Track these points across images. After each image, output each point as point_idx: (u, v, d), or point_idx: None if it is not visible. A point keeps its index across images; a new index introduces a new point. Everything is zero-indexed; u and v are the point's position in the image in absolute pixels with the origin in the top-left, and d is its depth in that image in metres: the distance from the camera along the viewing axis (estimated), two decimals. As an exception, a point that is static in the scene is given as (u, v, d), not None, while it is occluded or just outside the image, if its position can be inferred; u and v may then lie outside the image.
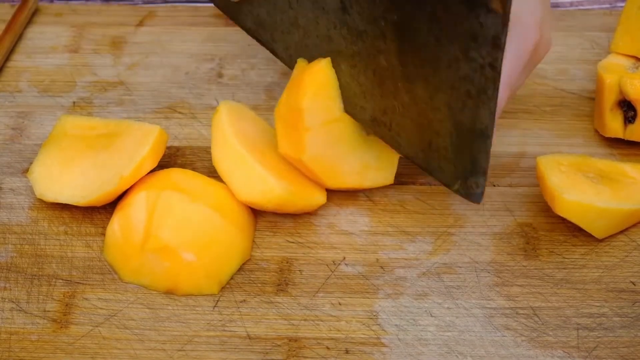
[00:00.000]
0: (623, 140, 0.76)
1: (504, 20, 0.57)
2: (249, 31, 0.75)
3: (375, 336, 0.65)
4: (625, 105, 0.75)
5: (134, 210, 0.68)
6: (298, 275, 0.68)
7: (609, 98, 0.75)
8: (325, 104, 0.69)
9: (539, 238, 0.70)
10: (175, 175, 0.70)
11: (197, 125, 0.78)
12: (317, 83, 0.68)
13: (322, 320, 0.66)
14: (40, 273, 0.69)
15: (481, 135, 0.62)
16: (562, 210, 0.68)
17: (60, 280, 0.68)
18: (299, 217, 0.72)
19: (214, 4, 0.78)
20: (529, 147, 0.77)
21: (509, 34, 0.65)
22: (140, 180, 0.70)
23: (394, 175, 0.72)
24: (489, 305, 0.66)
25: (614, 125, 0.76)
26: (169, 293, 0.67)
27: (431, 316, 0.66)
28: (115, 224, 0.69)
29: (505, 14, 0.56)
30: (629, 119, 0.75)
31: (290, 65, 0.72)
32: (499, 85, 0.59)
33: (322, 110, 0.69)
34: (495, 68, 0.58)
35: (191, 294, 0.67)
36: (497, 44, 0.58)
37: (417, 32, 0.61)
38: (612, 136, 0.76)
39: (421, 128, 0.65)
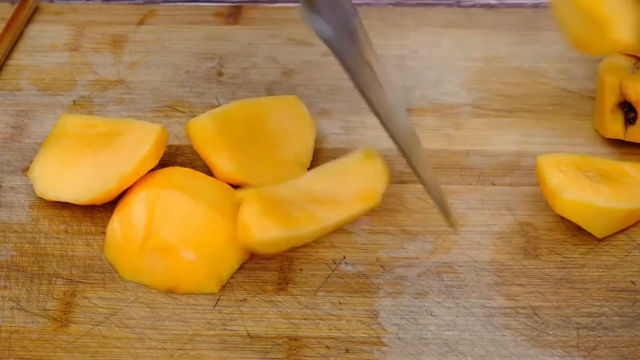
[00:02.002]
0: (623, 140, 0.76)
1: None
2: None
3: (376, 335, 0.65)
4: (626, 107, 0.75)
5: (134, 209, 0.68)
6: (298, 274, 0.68)
7: (610, 100, 0.75)
8: None
9: (539, 237, 0.70)
10: (175, 174, 0.71)
11: (198, 124, 0.78)
12: None
13: (322, 319, 0.66)
14: (40, 272, 0.69)
15: None
16: (562, 210, 0.68)
17: (61, 279, 0.68)
18: (299, 216, 0.72)
19: None
20: (529, 146, 0.77)
21: None
22: (141, 179, 0.70)
23: None
24: (489, 305, 0.66)
25: (615, 126, 0.76)
26: (169, 292, 0.67)
27: (431, 315, 0.66)
28: (116, 223, 0.69)
29: None
30: (629, 120, 0.75)
31: None
32: None
33: None
34: None
35: (191, 292, 0.67)
36: None
37: None
38: (613, 137, 0.76)
39: None
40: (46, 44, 0.87)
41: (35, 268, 0.69)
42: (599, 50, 0.70)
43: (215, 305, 0.66)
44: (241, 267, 0.69)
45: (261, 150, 0.74)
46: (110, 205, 0.72)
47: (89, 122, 0.74)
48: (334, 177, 0.70)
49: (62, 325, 0.65)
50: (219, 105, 0.80)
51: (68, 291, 0.67)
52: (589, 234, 0.69)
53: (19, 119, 0.80)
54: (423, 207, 0.72)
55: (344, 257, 0.69)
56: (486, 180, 0.74)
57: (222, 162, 0.71)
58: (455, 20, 0.87)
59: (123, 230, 0.68)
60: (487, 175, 0.75)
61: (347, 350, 0.64)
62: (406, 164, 0.66)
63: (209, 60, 0.85)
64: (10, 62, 0.85)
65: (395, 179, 0.74)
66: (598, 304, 0.66)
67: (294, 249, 0.70)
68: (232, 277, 0.68)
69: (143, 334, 0.65)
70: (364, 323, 0.65)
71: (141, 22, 0.89)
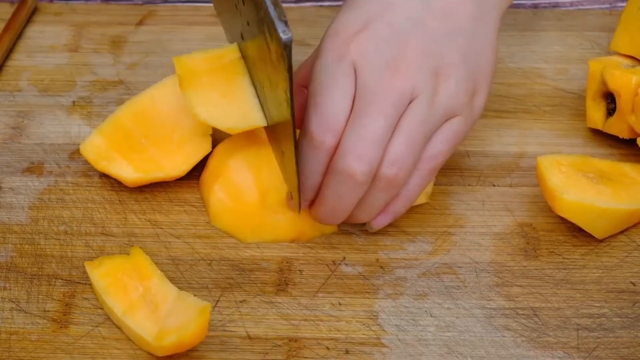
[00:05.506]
0: (623, 140, 0.76)
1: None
2: None
3: (375, 336, 0.65)
4: (609, 98, 0.75)
5: (236, 173, 0.70)
6: (298, 275, 0.68)
7: (592, 87, 0.75)
8: None
9: (539, 238, 0.70)
10: (242, 138, 0.71)
11: (197, 125, 0.78)
12: None
13: (322, 321, 0.66)
14: (40, 273, 0.69)
15: None
16: (562, 211, 0.68)
17: (60, 280, 0.68)
18: (299, 217, 0.72)
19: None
20: (529, 147, 0.77)
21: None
22: (217, 149, 0.72)
23: None
24: (489, 306, 0.66)
25: (595, 115, 0.76)
26: (295, 241, 0.70)
27: (431, 316, 0.66)
28: (219, 192, 0.70)
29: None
30: (609, 112, 0.75)
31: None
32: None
33: None
34: None
35: (317, 237, 0.70)
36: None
37: None
38: (592, 127, 0.76)
39: None
40: (46, 44, 0.87)
41: (35, 269, 0.69)
42: None
43: (214, 306, 0.66)
44: (241, 269, 0.69)
45: (159, 140, 0.73)
46: (110, 207, 0.72)
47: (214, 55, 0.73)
48: None
49: (61, 327, 0.65)
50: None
51: (67, 292, 0.67)
52: (589, 235, 0.69)
53: (19, 120, 0.80)
54: (422, 207, 0.72)
55: (344, 258, 0.69)
56: (486, 181, 0.74)
57: (123, 171, 0.72)
58: (455, 20, 0.87)
59: (232, 197, 0.70)
60: (487, 176, 0.75)
61: (347, 352, 0.64)
62: None
63: (209, 60, 0.85)
64: (10, 62, 0.85)
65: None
66: (598, 305, 0.66)
67: (293, 250, 0.70)
68: (231, 278, 0.68)
69: (143, 335, 0.65)
70: (364, 324, 0.65)
71: (141, 23, 0.89)
